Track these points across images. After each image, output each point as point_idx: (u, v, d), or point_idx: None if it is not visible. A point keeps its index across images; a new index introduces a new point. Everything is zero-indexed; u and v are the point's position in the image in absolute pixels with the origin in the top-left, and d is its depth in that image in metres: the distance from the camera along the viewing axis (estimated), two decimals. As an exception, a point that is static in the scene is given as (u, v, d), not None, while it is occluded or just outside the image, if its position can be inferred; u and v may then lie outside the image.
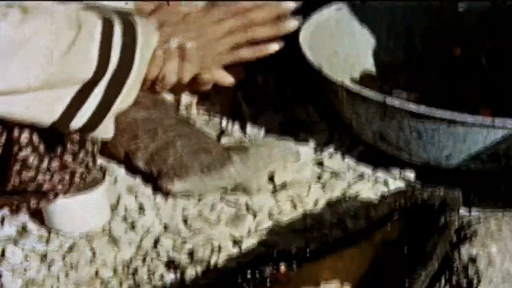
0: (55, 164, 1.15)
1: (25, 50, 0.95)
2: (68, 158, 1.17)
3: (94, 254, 1.41)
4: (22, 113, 0.99)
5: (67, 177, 1.19)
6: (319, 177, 1.57)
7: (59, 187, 1.19)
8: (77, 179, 1.21)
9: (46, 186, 1.17)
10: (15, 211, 1.22)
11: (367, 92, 1.44)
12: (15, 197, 1.20)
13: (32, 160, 1.12)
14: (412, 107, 1.39)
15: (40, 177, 1.15)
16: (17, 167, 1.11)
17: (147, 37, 1.04)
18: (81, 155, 1.19)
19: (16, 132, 1.08)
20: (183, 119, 1.67)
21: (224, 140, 1.68)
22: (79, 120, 1.03)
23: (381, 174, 1.56)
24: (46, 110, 1.00)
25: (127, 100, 1.05)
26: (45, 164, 1.14)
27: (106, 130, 1.07)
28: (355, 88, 1.47)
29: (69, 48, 0.97)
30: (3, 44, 0.94)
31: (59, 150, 1.15)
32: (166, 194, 1.53)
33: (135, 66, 1.03)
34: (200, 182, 1.51)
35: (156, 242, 1.43)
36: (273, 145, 1.57)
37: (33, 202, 1.21)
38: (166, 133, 1.56)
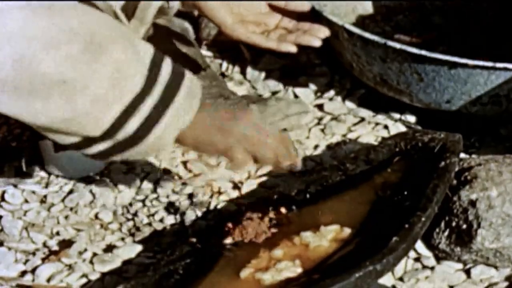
0: None
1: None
2: None
3: (94, 196, 1.41)
4: None
5: None
6: (319, 121, 1.57)
7: None
8: None
9: None
10: None
11: (369, 34, 1.43)
12: None
13: None
14: (414, 49, 1.38)
15: None
16: None
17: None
18: None
19: None
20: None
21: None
22: None
23: (381, 118, 1.55)
24: None
25: None
26: None
27: None
28: (356, 30, 1.46)
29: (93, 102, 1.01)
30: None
31: None
32: None
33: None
34: None
35: (156, 185, 1.43)
36: (292, 101, 1.57)
37: None
38: None
